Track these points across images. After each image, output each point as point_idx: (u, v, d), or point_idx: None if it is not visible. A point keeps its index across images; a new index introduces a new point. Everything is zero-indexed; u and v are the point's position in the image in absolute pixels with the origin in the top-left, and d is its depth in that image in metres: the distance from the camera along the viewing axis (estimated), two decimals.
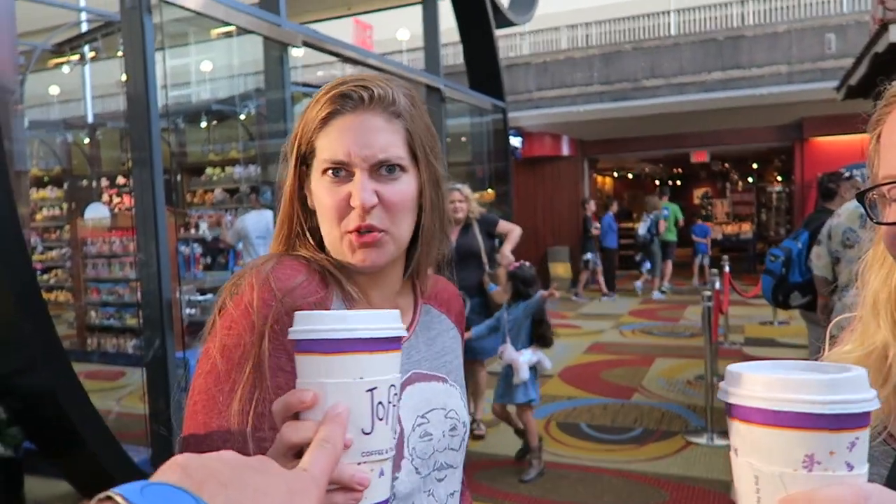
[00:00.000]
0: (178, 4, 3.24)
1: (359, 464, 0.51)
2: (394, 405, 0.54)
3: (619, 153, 14.08)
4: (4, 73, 3.86)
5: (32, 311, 2.49)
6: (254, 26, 3.78)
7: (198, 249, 7.30)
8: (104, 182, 7.89)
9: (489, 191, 8.33)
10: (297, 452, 0.49)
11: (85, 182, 8.02)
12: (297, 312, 0.55)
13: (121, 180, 7.64)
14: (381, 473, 0.53)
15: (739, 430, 0.45)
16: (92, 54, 7.66)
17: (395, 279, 0.88)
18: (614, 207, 12.07)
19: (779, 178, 16.54)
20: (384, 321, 0.54)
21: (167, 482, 0.35)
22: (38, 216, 8.13)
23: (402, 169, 0.81)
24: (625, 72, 10.86)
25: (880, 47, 4.34)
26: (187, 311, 4.76)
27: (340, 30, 10.94)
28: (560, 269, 12.76)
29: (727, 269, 6.99)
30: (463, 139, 8.12)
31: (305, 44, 4.29)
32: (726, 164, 19.19)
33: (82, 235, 7.27)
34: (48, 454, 2.85)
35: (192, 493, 0.34)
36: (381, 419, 0.52)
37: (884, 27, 4.26)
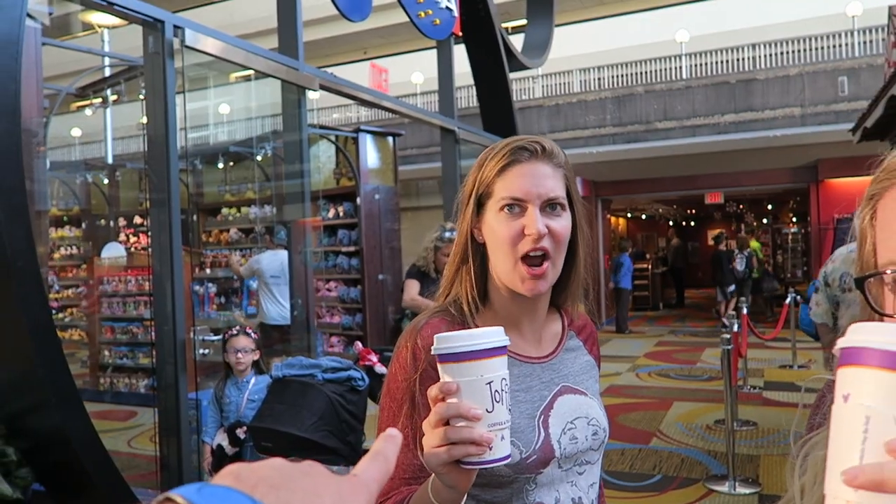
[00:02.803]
0: (200, 50, 3.30)
1: (488, 431, 0.74)
2: (506, 392, 0.76)
3: (632, 194, 14.09)
4: (29, 117, 3.94)
5: (47, 351, 2.48)
6: (272, 70, 3.85)
7: (212, 289, 7.32)
8: (122, 221, 7.98)
9: None
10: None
11: (103, 221, 8.11)
12: (436, 335, 0.77)
13: (138, 220, 7.73)
14: (502, 438, 0.76)
15: (858, 375, 0.45)
16: (114, 97, 7.83)
17: (544, 307, 1.09)
18: (630, 248, 12.05)
19: (794, 220, 16.44)
20: (493, 336, 0.76)
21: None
22: (56, 255, 8.22)
23: (563, 208, 1.01)
24: (637, 114, 10.94)
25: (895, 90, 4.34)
26: (200, 351, 4.74)
27: (357, 73, 11.16)
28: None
29: (745, 311, 6.90)
30: None
31: (322, 87, 4.36)
32: (741, 206, 19.14)
33: (99, 274, 7.33)
34: (57, 496, 2.81)
35: (247, 493, 0.36)
36: (498, 402, 0.75)
37: None
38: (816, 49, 11.63)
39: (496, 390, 0.75)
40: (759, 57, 12.20)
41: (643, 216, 19.33)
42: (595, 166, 11.73)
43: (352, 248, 7.14)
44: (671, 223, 20.92)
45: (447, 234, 4.21)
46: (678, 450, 5.18)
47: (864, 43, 11.25)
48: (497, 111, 7.40)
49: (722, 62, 12.47)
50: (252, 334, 3.52)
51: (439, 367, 0.77)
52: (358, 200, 6.94)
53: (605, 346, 10.61)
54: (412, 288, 4.32)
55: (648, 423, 5.92)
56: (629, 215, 18.52)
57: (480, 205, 1.03)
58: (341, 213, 7.26)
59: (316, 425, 2.69)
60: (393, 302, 7.10)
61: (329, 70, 6.48)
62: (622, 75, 13.20)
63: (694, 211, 20.15)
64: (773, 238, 16.15)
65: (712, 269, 13.00)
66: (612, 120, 11.06)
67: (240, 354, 3.42)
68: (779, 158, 11.37)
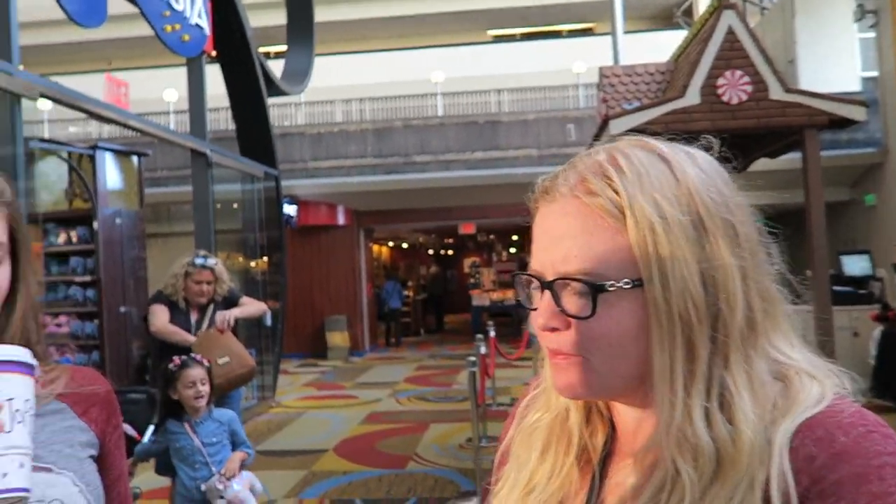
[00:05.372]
0: None
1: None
2: (29, 417, 0.68)
3: (393, 224, 14.56)
4: None
5: None
6: None
7: None
8: None
9: (262, 259, 8.06)
10: None
11: None
12: None
13: None
14: (21, 465, 0.66)
15: None
16: None
17: None
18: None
19: None
20: (12, 350, 0.69)
21: None
22: None
23: (6, 252, 0.85)
24: (396, 147, 11.38)
25: (604, 138, 5.06)
26: None
27: (97, 86, 10.10)
28: (338, 337, 12.66)
29: (492, 333, 7.43)
30: (234, 206, 7.82)
31: (45, 96, 3.86)
32: (492, 236, 20.79)
33: None
34: None
35: None
36: (19, 422, 0.67)
37: (606, 122, 4.98)
38: (550, 98, 13.14)
39: (17, 409, 0.67)
40: (504, 101, 13.46)
41: (404, 245, 20.07)
42: (357, 195, 11.94)
43: (87, 278, 6.39)
44: (430, 252, 21.99)
45: (199, 261, 3.90)
46: (433, 471, 5.37)
47: (587, 96, 12.98)
48: (255, 136, 7.21)
49: (472, 103, 13.53)
50: (204, 362, 2.95)
51: None
52: (95, 225, 6.25)
53: (367, 373, 10.74)
54: (161, 314, 3.80)
55: (405, 448, 6.07)
56: (391, 244, 19.12)
57: None
58: (74, 239, 6.47)
59: None
60: (138, 337, 6.48)
61: (62, 79, 5.73)
62: (383, 108, 13.67)
63: (451, 240, 21.41)
64: (520, 266, 17.79)
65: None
66: (373, 151, 11.38)
67: (199, 386, 2.82)
68: (520, 194, 12.53)
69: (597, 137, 5.37)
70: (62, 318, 6.53)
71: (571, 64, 14.00)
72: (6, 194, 0.86)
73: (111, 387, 1.01)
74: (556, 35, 18.06)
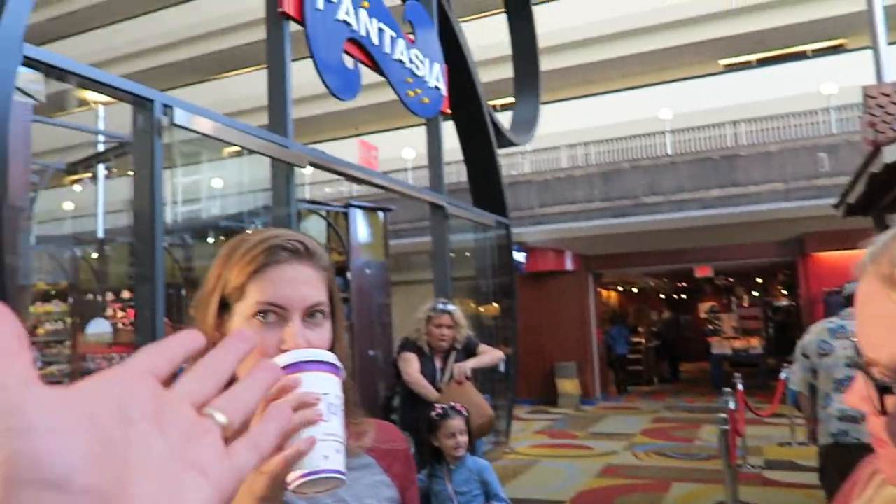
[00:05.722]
0: (189, 128, 3.33)
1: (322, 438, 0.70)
2: (341, 411, 0.74)
3: (622, 268, 14.15)
4: (16, 193, 3.93)
5: None
6: (262, 148, 3.88)
7: None
8: (109, 296, 7.88)
9: (494, 305, 8.27)
10: None
11: (91, 296, 8.01)
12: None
13: (126, 294, 7.64)
14: (338, 451, 0.71)
15: None
16: (106, 172, 7.89)
17: None
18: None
19: (784, 292, 16.48)
20: (330, 356, 0.76)
21: None
22: (41, 330, 8.05)
23: (325, 316, 0.90)
24: (624, 189, 11.10)
25: (876, 167, 4.42)
26: None
27: (348, 149, 11.33)
28: (568, 384, 12.47)
29: (740, 386, 6.77)
30: (467, 254, 8.16)
31: (312, 164, 4.39)
32: (730, 279, 19.22)
33: (83, 351, 7.16)
34: None
35: None
36: (334, 414, 0.72)
37: (877, 149, 4.36)
38: (795, 126, 11.96)
39: (331, 403, 0.72)
40: (741, 133, 12.53)
41: (634, 289, 19.36)
42: (585, 240, 11.81)
43: (346, 324, 7.02)
44: (662, 296, 20.92)
45: (440, 306, 4.11)
46: None
47: (841, 120, 11.59)
48: (486, 186, 7.49)
49: (705, 138, 12.79)
50: (463, 412, 3.05)
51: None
52: (349, 275, 6.90)
53: (600, 423, 10.39)
54: (413, 363, 3.97)
55: None
56: (620, 289, 18.55)
57: (226, 306, 0.89)
58: None
59: None
60: (384, 378, 6.95)
61: (320, 146, 6.57)
62: (608, 151, 13.48)
63: (685, 284, 20.21)
64: (765, 311, 16.17)
65: None
66: (600, 195, 11.21)
67: (458, 437, 2.93)
68: (765, 232, 11.50)
69: (865, 167, 4.72)
70: None
71: (819, 86, 12.67)
72: (325, 259, 0.93)
73: (408, 444, 1.06)
74: (799, 56, 16.47)
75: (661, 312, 18.54)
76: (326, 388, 0.72)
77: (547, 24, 12.09)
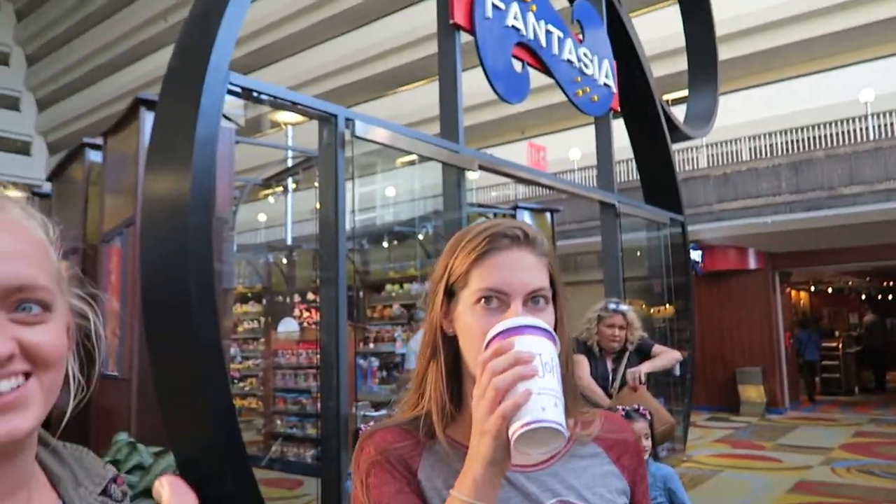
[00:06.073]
0: (368, 139, 3.54)
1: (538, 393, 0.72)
2: (556, 369, 0.76)
3: (814, 266, 12.87)
4: (222, 207, 4.41)
5: (225, 422, 2.65)
6: (434, 154, 4.02)
7: (375, 363, 7.56)
8: (296, 298, 8.59)
9: (668, 306, 7.90)
10: None
11: (281, 298, 8.78)
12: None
13: (311, 296, 8.28)
14: (556, 405, 0.72)
15: None
16: (294, 185, 8.60)
17: None
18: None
19: None
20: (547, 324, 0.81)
21: None
22: (240, 328, 8.97)
23: (547, 301, 0.91)
24: (818, 180, 10.10)
25: None
26: (361, 426, 4.86)
27: (515, 152, 11.42)
28: (752, 391, 11.59)
29: None
30: (638, 253, 7.87)
31: (482, 167, 4.48)
32: None
33: (275, 347, 7.87)
34: None
35: None
36: (549, 372, 0.74)
37: None
38: None
39: (545, 362, 0.74)
40: None
41: (829, 289, 17.54)
42: (770, 236, 10.90)
43: None
44: (863, 297, 18.76)
45: (612, 306, 3.99)
46: None
47: None
48: (659, 183, 7.19)
49: None
50: (647, 415, 2.98)
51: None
52: None
53: (790, 434, 9.54)
54: (584, 365, 3.86)
55: None
56: (813, 289, 16.89)
57: (452, 294, 0.93)
58: None
59: None
60: None
61: (488, 151, 6.69)
62: (797, 140, 12.36)
63: (892, 283, 17.96)
64: None
65: None
66: (789, 187, 10.30)
67: (643, 441, 2.84)
68: None
69: None
70: None
71: None
72: (545, 246, 0.94)
73: (636, 437, 1.05)
74: None
75: (863, 315, 16.60)
76: (540, 349, 0.75)
77: (721, 12, 11.36)
